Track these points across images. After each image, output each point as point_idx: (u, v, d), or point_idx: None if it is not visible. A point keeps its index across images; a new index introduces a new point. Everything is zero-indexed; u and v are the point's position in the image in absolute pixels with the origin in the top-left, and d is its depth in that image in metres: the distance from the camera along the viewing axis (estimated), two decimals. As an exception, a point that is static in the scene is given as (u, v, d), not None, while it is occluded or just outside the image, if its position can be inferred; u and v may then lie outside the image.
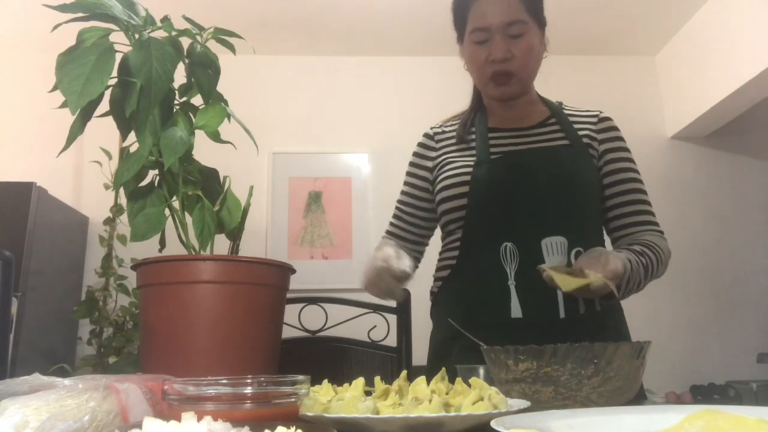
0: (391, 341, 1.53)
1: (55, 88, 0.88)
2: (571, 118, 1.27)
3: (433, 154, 1.32)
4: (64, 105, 0.88)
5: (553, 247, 1.13)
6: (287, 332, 1.16)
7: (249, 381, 0.54)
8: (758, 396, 2.98)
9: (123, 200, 1.32)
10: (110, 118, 0.97)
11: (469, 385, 0.71)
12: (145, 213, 0.96)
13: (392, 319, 1.53)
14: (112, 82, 0.92)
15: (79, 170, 3.35)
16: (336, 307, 1.57)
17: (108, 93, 0.94)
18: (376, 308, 1.54)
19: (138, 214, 0.96)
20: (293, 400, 0.56)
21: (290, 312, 1.24)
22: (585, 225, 1.18)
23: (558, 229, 1.14)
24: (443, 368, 0.78)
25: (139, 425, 0.47)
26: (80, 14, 0.93)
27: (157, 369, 0.85)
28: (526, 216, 1.16)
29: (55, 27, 0.95)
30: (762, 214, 3.57)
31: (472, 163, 1.22)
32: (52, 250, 2.87)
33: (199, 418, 0.47)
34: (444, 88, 2.52)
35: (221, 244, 0.99)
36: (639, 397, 0.88)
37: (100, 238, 2.86)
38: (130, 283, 2.65)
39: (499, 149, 1.23)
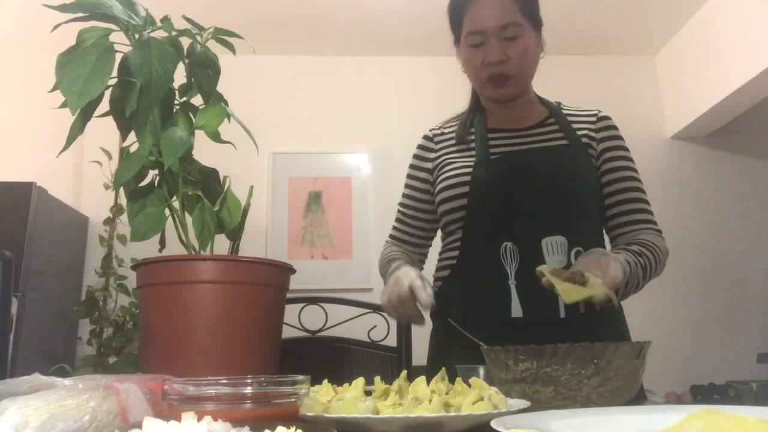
0: (391, 341, 1.53)
1: (55, 88, 0.88)
2: (570, 118, 1.27)
3: (433, 155, 1.32)
4: (64, 105, 0.88)
5: (553, 247, 1.13)
6: (287, 332, 1.16)
7: (249, 381, 0.54)
8: (758, 396, 2.98)
9: (123, 200, 1.32)
10: (110, 118, 0.97)
11: (469, 385, 0.71)
12: (145, 213, 0.96)
13: (392, 319, 1.53)
14: (112, 82, 0.92)
15: (79, 170, 3.35)
16: (336, 307, 1.57)
17: (108, 93, 0.94)
18: (376, 308, 1.54)
19: (138, 214, 0.96)
20: (293, 400, 0.56)
21: (290, 312, 1.24)
22: (585, 224, 1.19)
23: (558, 228, 1.14)
24: (443, 368, 0.78)
25: (139, 425, 0.47)
26: (80, 14, 0.93)
27: (157, 369, 0.85)
28: (526, 216, 1.16)
29: (55, 27, 0.95)
30: (762, 214, 3.57)
31: (471, 163, 1.22)
32: (52, 250, 2.87)
33: (199, 418, 0.47)
34: (444, 88, 2.52)
35: (221, 244, 0.99)
36: (639, 397, 0.88)
37: (100, 238, 2.86)
38: (130, 283, 2.65)
39: (498, 150, 1.23)
